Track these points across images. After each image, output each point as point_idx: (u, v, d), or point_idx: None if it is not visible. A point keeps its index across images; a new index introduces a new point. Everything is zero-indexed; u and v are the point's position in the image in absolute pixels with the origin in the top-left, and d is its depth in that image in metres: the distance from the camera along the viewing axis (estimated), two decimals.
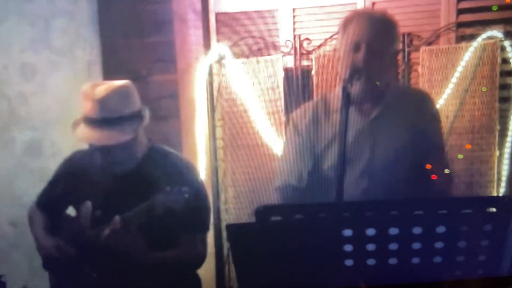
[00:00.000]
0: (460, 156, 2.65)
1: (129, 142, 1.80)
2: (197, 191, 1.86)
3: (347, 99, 1.63)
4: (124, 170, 1.86)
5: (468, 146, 2.65)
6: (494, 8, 2.60)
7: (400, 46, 2.65)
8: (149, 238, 1.77)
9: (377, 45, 1.74)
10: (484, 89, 2.62)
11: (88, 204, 1.84)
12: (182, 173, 1.89)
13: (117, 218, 1.72)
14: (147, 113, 1.88)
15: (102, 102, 1.76)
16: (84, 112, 1.80)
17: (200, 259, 1.95)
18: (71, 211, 1.99)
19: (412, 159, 1.76)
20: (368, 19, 1.81)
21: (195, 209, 1.80)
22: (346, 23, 1.82)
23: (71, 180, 1.97)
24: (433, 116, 1.87)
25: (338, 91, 1.77)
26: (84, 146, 1.92)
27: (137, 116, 1.83)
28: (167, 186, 1.73)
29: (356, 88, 1.67)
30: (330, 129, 1.81)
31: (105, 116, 1.76)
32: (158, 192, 1.74)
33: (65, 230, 1.91)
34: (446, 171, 1.86)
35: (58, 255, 1.84)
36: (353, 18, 1.82)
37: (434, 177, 1.75)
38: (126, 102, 1.80)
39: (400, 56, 2.74)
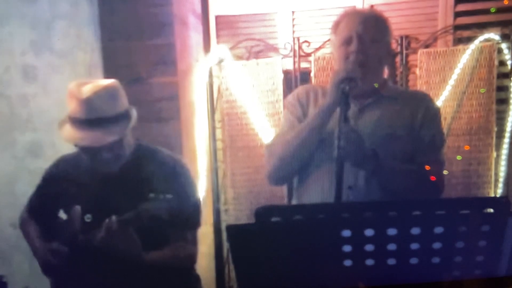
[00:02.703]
0: (458, 157, 2.67)
1: (115, 143, 1.78)
2: (186, 187, 1.87)
3: (345, 101, 1.67)
4: (112, 171, 1.85)
5: (467, 147, 2.67)
6: (493, 9, 2.61)
7: (394, 43, 2.66)
8: (140, 238, 1.76)
9: (368, 36, 1.78)
10: (482, 90, 2.63)
11: (78, 208, 1.80)
12: (171, 169, 1.88)
13: (111, 220, 1.70)
14: (134, 114, 1.86)
15: (87, 102, 1.73)
16: (70, 112, 1.78)
17: (191, 257, 1.94)
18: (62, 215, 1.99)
19: (402, 149, 1.77)
20: (357, 15, 1.87)
21: (184, 206, 1.80)
22: (336, 24, 1.88)
23: (58, 184, 1.95)
24: (431, 111, 1.88)
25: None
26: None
27: (123, 117, 1.81)
28: (151, 194, 1.72)
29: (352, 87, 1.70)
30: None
31: (90, 117, 1.73)
32: (146, 193, 1.73)
33: (58, 234, 1.88)
34: (445, 172, 1.88)
35: (54, 260, 1.81)
36: (343, 17, 1.88)
37: (427, 167, 1.77)
38: (112, 102, 1.78)
39: (398, 59, 2.76)
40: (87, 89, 1.74)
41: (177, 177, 1.83)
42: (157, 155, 1.92)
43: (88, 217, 1.81)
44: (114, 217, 1.70)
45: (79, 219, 1.80)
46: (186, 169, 1.97)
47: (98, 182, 1.86)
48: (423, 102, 1.88)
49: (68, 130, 1.78)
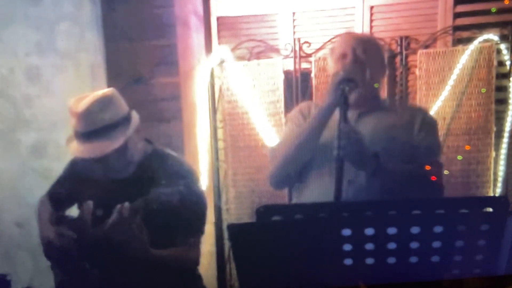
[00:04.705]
0: (459, 157, 2.68)
1: (119, 149, 1.81)
2: (195, 194, 1.88)
3: (345, 101, 1.69)
4: (123, 174, 1.89)
5: (468, 147, 2.68)
6: (493, 9, 2.63)
7: (393, 43, 2.74)
8: (146, 234, 1.78)
9: (362, 51, 1.84)
10: (483, 90, 2.64)
11: (90, 203, 1.83)
12: (182, 176, 1.90)
13: (123, 205, 1.71)
14: (135, 117, 1.89)
15: (84, 116, 1.77)
16: (73, 127, 1.82)
17: (191, 261, 1.96)
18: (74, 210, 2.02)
19: (400, 155, 1.80)
20: (351, 36, 1.97)
21: (190, 211, 1.83)
22: (332, 48, 1.98)
23: (75, 180, 2.00)
24: (429, 121, 1.92)
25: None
26: None
27: (122, 122, 1.84)
28: (163, 181, 1.76)
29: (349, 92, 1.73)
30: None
31: (88, 129, 1.78)
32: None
33: (68, 224, 1.89)
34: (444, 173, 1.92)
35: (59, 243, 1.82)
36: (339, 39, 1.98)
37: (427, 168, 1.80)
38: (108, 111, 1.81)
39: (397, 59, 2.78)
40: (83, 103, 1.78)
41: (185, 185, 1.85)
42: (168, 162, 1.94)
43: (98, 213, 1.84)
44: (126, 203, 1.72)
45: (90, 213, 1.83)
46: (196, 178, 2.00)
47: (110, 184, 1.90)
48: (420, 113, 1.93)
49: (74, 145, 1.83)
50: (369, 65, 1.84)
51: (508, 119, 2.67)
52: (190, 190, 1.83)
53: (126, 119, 1.85)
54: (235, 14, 2.92)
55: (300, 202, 1.93)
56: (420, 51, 2.72)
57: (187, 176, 1.92)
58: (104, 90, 1.85)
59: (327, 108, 1.77)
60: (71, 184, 2.02)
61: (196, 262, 1.97)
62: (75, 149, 1.82)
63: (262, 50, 2.89)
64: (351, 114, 1.77)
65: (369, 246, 1.15)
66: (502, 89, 2.70)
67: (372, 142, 1.78)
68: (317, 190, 1.83)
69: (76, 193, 1.99)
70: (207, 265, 2.77)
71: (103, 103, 1.80)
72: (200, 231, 1.95)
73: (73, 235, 1.82)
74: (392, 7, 2.77)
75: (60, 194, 2.03)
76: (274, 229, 1.18)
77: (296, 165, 1.87)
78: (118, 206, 1.72)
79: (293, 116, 2.01)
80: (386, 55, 1.98)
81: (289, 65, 2.86)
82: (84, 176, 1.96)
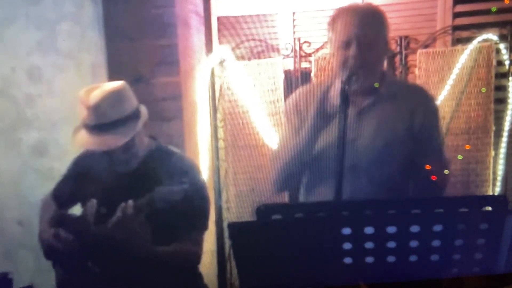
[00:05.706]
0: (459, 157, 2.69)
1: (128, 143, 1.81)
2: (198, 191, 1.88)
3: (345, 100, 1.68)
4: (128, 169, 1.89)
5: (467, 147, 2.68)
6: (493, 9, 2.63)
7: (393, 43, 2.74)
8: (149, 232, 1.78)
9: (367, 38, 1.76)
10: (483, 90, 2.65)
11: (93, 201, 1.83)
12: (185, 172, 1.90)
13: (127, 204, 1.72)
14: (144, 111, 1.89)
15: (96, 108, 1.77)
16: (82, 119, 1.81)
17: (194, 257, 1.96)
18: (78, 209, 2.02)
19: (403, 152, 1.78)
20: (353, 13, 1.82)
21: (194, 207, 1.83)
22: (333, 21, 1.85)
23: (80, 177, 2.00)
24: (430, 110, 1.89)
25: (336, 86, 1.79)
26: None
27: (133, 117, 1.84)
28: (167, 180, 1.77)
29: (352, 85, 1.70)
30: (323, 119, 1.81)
31: (100, 122, 1.77)
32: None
33: (70, 227, 1.89)
34: (446, 171, 1.90)
35: (57, 245, 1.81)
36: (339, 15, 1.84)
37: (428, 166, 1.78)
38: (120, 105, 1.81)
39: (397, 59, 2.79)
40: (95, 95, 1.77)
41: (189, 181, 1.86)
42: (172, 159, 1.95)
43: (102, 211, 1.84)
44: (130, 201, 1.73)
45: (93, 211, 1.82)
46: (199, 174, 2.00)
47: (114, 180, 1.90)
48: (421, 100, 1.87)
49: (82, 137, 1.81)
50: (374, 52, 1.78)
51: (507, 118, 2.68)
52: (194, 187, 1.83)
53: (136, 114, 1.86)
54: (235, 14, 2.92)
55: (308, 195, 1.93)
56: (419, 51, 2.73)
57: (190, 173, 1.92)
58: (116, 83, 1.84)
59: (315, 123, 1.76)
60: (75, 182, 2.02)
61: (199, 259, 1.98)
62: (84, 141, 1.82)
63: (263, 50, 2.90)
64: (351, 113, 1.71)
65: (369, 245, 1.15)
66: (501, 88, 2.71)
67: (375, 142, 1.78)
68: (323, 188, 1.81)
69: (79, 191, 1.99)
70: (207, 263, 2.78)
71: (114, 97, 1.80)
72: (204, 226, 1.96)
73: (70, 238, 1.81)
74: (391, 7, 2.77)
75: (64, 193, 2.03)
76: (274, 228, 1.18)
77: (296, 170, 1.87)
78: (122, 204, 1.73)
79: (289, 111, 1.96)
80: (389, 27, 1.87)
81: (289, 64, 2.87)
82: (88, 173, 1.96)
